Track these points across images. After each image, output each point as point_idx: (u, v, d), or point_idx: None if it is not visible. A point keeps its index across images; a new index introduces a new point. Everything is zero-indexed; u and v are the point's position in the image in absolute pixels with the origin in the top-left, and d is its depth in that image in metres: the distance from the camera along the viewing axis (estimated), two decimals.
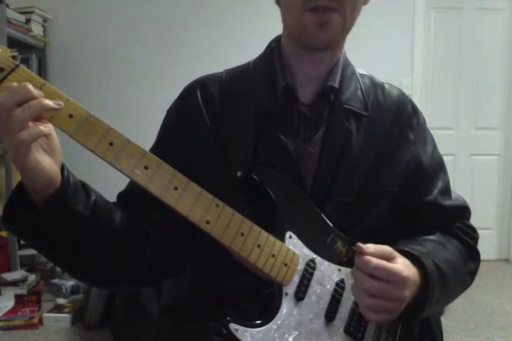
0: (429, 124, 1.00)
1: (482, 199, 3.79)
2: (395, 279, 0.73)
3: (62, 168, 0.70)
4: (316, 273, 0.80)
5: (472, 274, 0.94)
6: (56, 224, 0.69)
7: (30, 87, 0.61)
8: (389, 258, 0.76)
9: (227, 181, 0.82)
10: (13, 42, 2.92)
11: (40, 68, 3.33)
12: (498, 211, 3.91)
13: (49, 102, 0.62)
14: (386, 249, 0.77)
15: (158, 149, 0.89)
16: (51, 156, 0.67)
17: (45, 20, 3.36)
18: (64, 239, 0.72)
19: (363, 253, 0.74)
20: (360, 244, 0.75)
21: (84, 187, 0.74)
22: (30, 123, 0.62)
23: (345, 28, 0.84)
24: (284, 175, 0.84)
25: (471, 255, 0.94)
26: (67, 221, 0.70)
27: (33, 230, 0.69)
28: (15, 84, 0.61)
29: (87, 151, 0.65)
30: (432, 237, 0.90)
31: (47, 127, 0.65)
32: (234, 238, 0.72)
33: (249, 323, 0.73)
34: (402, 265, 0.76)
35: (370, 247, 0.75)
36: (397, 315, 0.77)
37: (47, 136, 0.66)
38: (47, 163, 0.66)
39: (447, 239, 0.92)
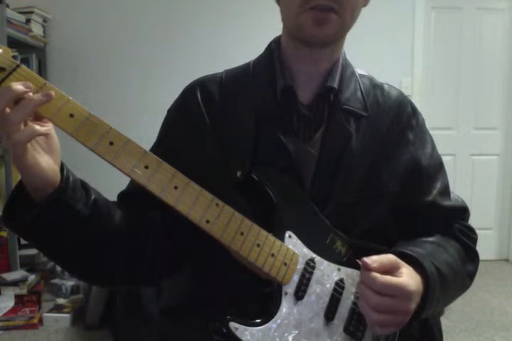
0: (429, 124, 1.00)
1: (482, 200, 3.79)
2: (401, 294, 0.73)
3: (62, 167, 0.70)
4: (316, 273, 0.80)
5: (471, 276, 0.94)
6: (56, 223, 0.70)
7: (15, 86, 0.60)
8: (394, 269, 0.76)
9: (226, 181, 0.82)
10: (13, 42, 2.92)
11: (40, 68, 3.33)
12: (498, 211, 3.91)
13: (36, 98, 0.61)
14: (390, 259, 0.77)
15: (158, 149, 0.89)
16: (50, 156, 0.68)
17: (45, 20, 3.36)
18: (64, 237, 0.72)
19: (368, 268, 0.74)
20: (365, 259, 0.74)
21: (84, 186, 0.74)
22: (30, 123, 0.63)
23: (343, 29, 0.85)
24: (284, 175, 0.84)
25: (470, 256, 0.94)
26: (66, 220, 0.70)
27: (32, 229, 0.69)
28: (18, 85, 0.61)
29: (88, 151, 0.65)
30: (431, 239, 0.90)
31: (44, 126, 0.65)
32: (234, 237, 0.73)
33: (249, 322, 0.73)
34: (407, 277, 0.75)
35: (375, 261, 0.74)
36: (402, 326, 0.77)
37: (46, 135, 0.66)
38: (46, 163, 0.66)
39: (447, 240, 0.92)
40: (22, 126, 0.62)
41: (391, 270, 0.76)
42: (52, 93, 0.62)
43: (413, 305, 0.75)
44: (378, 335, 0.82)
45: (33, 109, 0.61)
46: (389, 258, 0.77)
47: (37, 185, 0.67)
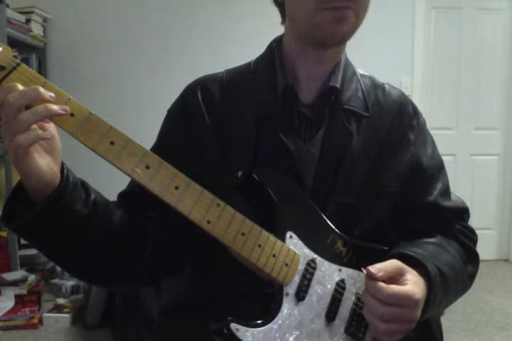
0: (429, 124, 1.00)
1: (482, 200, 3.80)
2: (408, 303, 0.73)
3: (62, 167, 0.70)
4: (317, 273, 0.80)
5: (471, 277, 0.94)
6: (55, 223, 0.69)
7: (41, 89, 0.61)
8: (399, 276, 0.75)
9: (227, 181, 0.82)
10: (13, 42, 2.92)
11: (40, 68, 3.33)
12: (498, 211, 3.91)
13: (55, 108, 0.61)
14: (394, 266, 0.76)
15: (158, 149, 0.89)
16: (51, 156, 0.67)
17: (45, 20, 3.36)
18: (63, 237, 0.72)
19: (373, 278, 0.73)
20: (370, 268, 0.73)
21: (84, 186, 0.74)
22: (34, 126, 0.63)
23: (358, 25, 0.83)
24: (285, 175, 0.84)
25: (471, 258, 0.93)
26: (65, 220, 0.70)
27: (32, 229, 0.69)
28: (21, 86, 0.61)
29: (88, 150, 0.65)
30: (432, 240, 0.90)
31: (47, 129, 0.65)
32: (235, 238, 0.72)
33: (250, 323, 0.72)
34: (413, 284, 0.75)
35: (381, 270, 0.73)
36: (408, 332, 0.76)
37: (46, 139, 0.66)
38: (46, 164, 0.66)
39: (448, 241, 0.91)
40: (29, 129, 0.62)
41: (396, 277, 0.75)
42: (69, 109, 0.63)
43: (419, 312, 0.75)
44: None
45: (47, 116, 0.62)
46: (393, 264, 0.76)
47: (36, 186, 0.66)
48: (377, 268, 0.73)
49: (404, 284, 0.74)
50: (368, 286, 0.74)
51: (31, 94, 0.60)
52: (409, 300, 0.73)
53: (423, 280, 0.78)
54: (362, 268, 0.75)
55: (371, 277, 0.73)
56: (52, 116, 0.62)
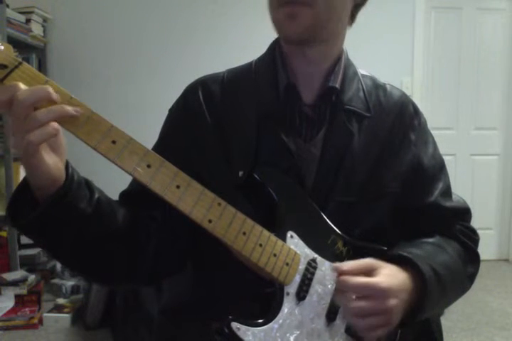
0: (429, 124, 1.00)
1: (482, 200, 3.80)
2: (374, 292, 0.73)
3: (67, 166, 0.70)
4: (318, 273, 0.80)
5: (471, 277, 0.93)
6: (58, 221, 0.69)
7: (50, 89, 0.61)
8: (370, 271, 0.76)
9: (229, 180, 0.82)
10: (13, 43, 2.91)
11: (40, 68, 3.33)
12: (498, 211, 3.92)
13: (70, 109, 0.62)
14: (366, 262, 0.76)
15: (159, 148, 0.89)
16: (57, 154, 0.68)
17: (45, 20, 3.36)
18: (66, 235, 0.72)
19: (340, 272, 0.74)
20: (337, 264, 0.74)
21: (88, 184, 0.74)
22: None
23: (319, 22, 0.81)
24: (286, 174, 0.84)
25: (471, 258, 0.93)
26: (69, 218, 0.70)
27: (35, 227, 0.69)
28: (24, 85, 0.61)
29: (89, 149, 0.65)
30: (431, 240, 0.90)
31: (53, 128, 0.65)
32: (236, 237, 0.72)
33: (250, 322, 0.72)
34: (382, 276, 0.75)
35: (346, 265, 0.74)
36: (395, 324, 0.76)
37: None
38: (52, 162, 0.66)
39: (447, 241, 0.91)
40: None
41: (367, 272, 0.75)
42: (81, 110, 0.63)
43: (393, 302, 0.74)
44: (376, 337, 0.81)
45: (62, 116, 0.62)
46: (366, 260, 0.77)
47: (42, 184, 0.67)
48: (343, 263, 0.74)
49: (374, 277, 0.75)
50: (336, 283, 0.75)
51: (41, 92, 0.61)
52: (375, 289, 0.73)
53: (407, 275, 0.78)
54: (332, 265, 0.76)
55: (338, 271, 0.74)
56: (66, 117, 0.62)
